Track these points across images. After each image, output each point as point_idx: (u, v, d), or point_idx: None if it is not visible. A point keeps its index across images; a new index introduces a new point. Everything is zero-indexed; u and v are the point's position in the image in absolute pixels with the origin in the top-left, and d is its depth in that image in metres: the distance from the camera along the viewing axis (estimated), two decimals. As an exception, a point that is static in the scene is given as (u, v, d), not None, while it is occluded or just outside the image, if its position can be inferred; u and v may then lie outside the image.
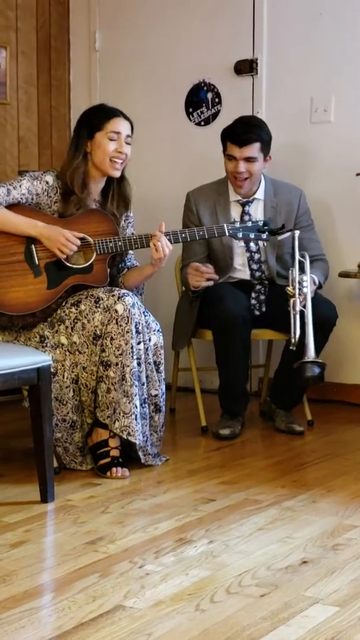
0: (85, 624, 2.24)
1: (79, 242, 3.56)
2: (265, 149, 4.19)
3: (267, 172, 4.34)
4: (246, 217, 4.20)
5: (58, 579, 2.55)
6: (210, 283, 4.03)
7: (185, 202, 4.34)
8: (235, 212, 4.26)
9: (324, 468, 3.65)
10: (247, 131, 4.14)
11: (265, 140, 4.17)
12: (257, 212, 4.25)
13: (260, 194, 4.28)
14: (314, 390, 4.59)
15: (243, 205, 4.26)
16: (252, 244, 4.19)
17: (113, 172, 3.66)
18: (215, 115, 5.05)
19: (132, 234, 3.78)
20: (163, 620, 2.26)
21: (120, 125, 3.66)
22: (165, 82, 5.18)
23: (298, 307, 3.79)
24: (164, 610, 2.32)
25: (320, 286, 4.12)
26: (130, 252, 3.82)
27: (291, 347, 3.76)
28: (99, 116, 3.68)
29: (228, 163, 4.20)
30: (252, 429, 4.31)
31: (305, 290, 3.83)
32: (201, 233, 3.75)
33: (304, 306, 3.80)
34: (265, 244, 4.18)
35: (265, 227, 3.79)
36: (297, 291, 3.82)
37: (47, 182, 3.63)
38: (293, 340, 3.74)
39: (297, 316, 3.77)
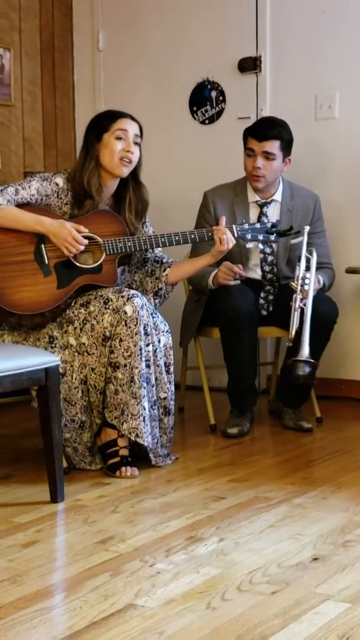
0: (96, 623, 2.25)
1: (85, 242, 3.55)
2: (285, 149, 4.18)
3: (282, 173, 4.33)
4: (264, 219, 4.19)
5: (69, 578, 2.56)
6: (238, 282, 4.04)
7: (203, 201, 4.32)
8: (253, 213, 4.25)
9: (333, 464, 3.65)
10: (269, 127, 4.16)
11: (285, 139, 4.17)
12: (274, 214, 4.24)
13: (278, 196, 4.27)
14: (322, 387, 4.59)
15: (261, 206, 4.25)
16: (266, 246, 4.19)
17: (121, 170, 3.64)
18: (219, 114, 5.04)
19: (153, 232, 3.78)
20: (174, 619, 2.26)
21: (126, 124, 3.65)
22: (169, 81, 5.18)
23: (298, 304, 3.81)
24: (175, 609, 2.32)
25: (324, 288, 4.13)
26: (159, 249, 3.82)
27: (287, 343, 3.78)
28: (106, 118, 3.68)
29: (246, 159, 4.20)
30: (260, 426, 4.31)
31: (307, 287, 3.83)
32: (210, 234, 3.74)
33: (305, 304, 3.80)
34: (277, 246, 4.19)
35: (274, 229, 3.79)
36: (299, 287, 3.83)
37: (57, 184, 3.63)
38: (290, 336, 3.75)
39: (296, 312, 3.78)
